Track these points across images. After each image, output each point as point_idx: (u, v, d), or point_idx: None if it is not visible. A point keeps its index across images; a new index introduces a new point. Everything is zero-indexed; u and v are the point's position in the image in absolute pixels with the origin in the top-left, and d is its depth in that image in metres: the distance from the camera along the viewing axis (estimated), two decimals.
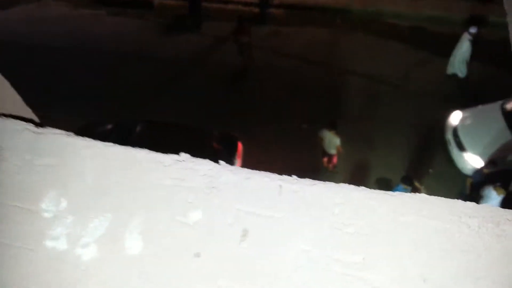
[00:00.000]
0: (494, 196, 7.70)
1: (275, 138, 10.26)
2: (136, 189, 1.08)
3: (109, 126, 9.95)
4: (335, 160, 9.32)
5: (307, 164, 9.80)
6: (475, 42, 10.37)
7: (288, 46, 12.44)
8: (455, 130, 9.30)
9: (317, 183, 1.01)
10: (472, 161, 8.90)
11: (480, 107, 9.59)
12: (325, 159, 9.39)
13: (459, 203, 0.90)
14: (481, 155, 8.76)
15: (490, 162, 8.14)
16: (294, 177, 1.04)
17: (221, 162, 1.10)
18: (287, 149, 10.11)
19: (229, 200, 1.01)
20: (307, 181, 1.03)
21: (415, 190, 8.04)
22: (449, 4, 12.45)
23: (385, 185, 9.35)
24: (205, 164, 1.10)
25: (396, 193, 0.94)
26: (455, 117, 9.52)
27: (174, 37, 13.30)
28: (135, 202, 1.06)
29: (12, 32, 13.76)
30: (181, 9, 13.89)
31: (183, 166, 1.11)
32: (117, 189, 1.08)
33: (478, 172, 8.24)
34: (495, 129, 8.98)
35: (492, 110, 9.30)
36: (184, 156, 1.13)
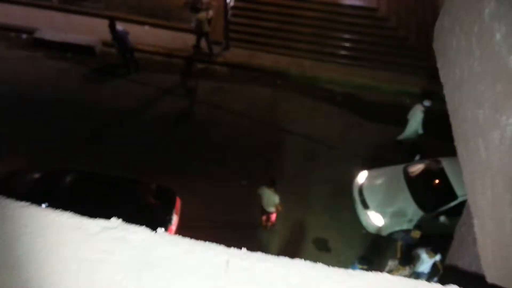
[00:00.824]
0: (426, 259, 7.96)
1: (214, 193, 10.04)
2: (51, 262, 0.88)
3: (36, 176, 9.20)
4: (273, 218, 9.24)
5: (247, 220, 9.63)
6: (427, 114, 10.84)
7: (231, 102, 12.64)
8: (360, 189, 9.72)
9: (269, 259, 0.89)
10: (373, 218, 9.27)
11: (385, 168, 10.14)
12: (264, 218, 9.27)
13: (422, 284, 0.82)
14: (382, 213, 9.19)
15: (416, 226, 8.52)
16: (244, 250, 0.91)
17: (158, 230, 0.94)
18: (226, 205, 9.90)
19: (165, 279, 0.85)
20: (258, 256, 0.90)
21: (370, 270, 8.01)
22: (378, 75, 13.53)
23: (323, 246, 9.38)
24: (139, 233, 0.93)
25: (356, 272, 0.85)
26: (361, 176, 9.98)
27: (110, 84, 13.00)
28: (49, 280, 0.86)
29: None
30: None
31: (113, 235, 0.93)
32: (25, 262, 0.87)
33: (406, 235, 8.55)
34: (396, 189, 9.52)
35: (395, 172, 9.88)
36: (114, 222, 0.96)
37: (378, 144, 10.59)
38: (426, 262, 8.05)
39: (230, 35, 13.92)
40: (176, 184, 9.72)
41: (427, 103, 10.92)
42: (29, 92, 12.44)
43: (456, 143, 3.49)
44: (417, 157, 10.09)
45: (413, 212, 9.07)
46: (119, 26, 12.52)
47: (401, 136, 11.36)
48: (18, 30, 14.32)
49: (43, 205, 8.01)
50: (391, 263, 8.01)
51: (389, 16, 14.23)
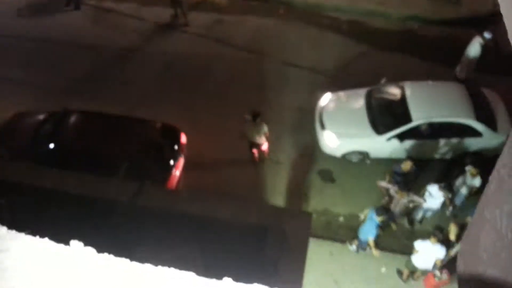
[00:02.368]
0: (435, 194, 8.00)
1: (218, 128, 10.08)
2: None
3: (41, 117, 9.26)
4: (267, 148, 9.29)
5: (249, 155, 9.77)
6: (486, 47, 10.17)
7: (232, 35, 12.25)
8: (321, 110, 9.78)
9: None
10: (327, 138, 9.42)
11: (350, 91, 10.11)
12: (255, 151, 9.31)
13: None
14: (336, 134, 9.32)
15: (407, 158, 8.61)
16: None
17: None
18: (231, 140, 9.99)
19: None
20: None
21: (386, 222, 8.15)
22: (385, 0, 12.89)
23: (328, 177, 9.58)
24: None
25: None
26: (324, 99, 9.98)
27: (103, 20, 12.58)
28: None
29: None
30: None
31: None
32: None
33: (397, 164, 8.49)
34: (355, 111, 9.59)
35: (358, 94, 9.88)
36: None
37: (386, 74, 10.33)
38: (434, 197, 8.08)
39: None
40: (180, 120, 9.77)
41: (487, 34, 10.01)
42: (29, 34, 12.12)
43: None
44: (383, 80, 9.92)
45: (366, 133, 9.20)
46: None
47: (459, 73, 10.64)
48: None
49: (50, 145, 8.24)
50: (392, 189, 8.10)
51: None
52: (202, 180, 9.15)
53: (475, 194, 8.37)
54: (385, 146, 9.16)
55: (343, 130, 9.33)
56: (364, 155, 9.45)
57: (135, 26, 12.45)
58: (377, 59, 11.64)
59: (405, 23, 12.61)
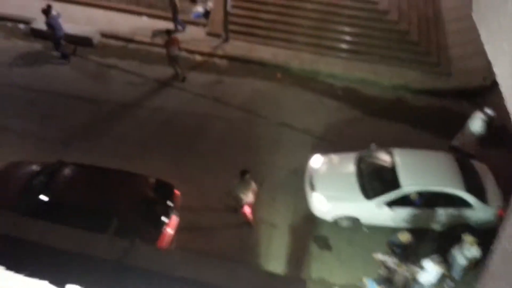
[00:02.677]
0: (430, 269, 7.81)
1: (212, 187, 10.01)
2: None
3: (35, 167, 9.16)
4: (251, 208, 9.16)
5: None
6: (490, 123, 10.20)
7: (230, 96, 12.56)
8: (311, 172, 9.82)
9: None
10: (317, 200, 9.36)
11: (340, 154, 10.23)
12: (247, 211, 9.14)
13: None
14: (326, 197, 9.28)
15: (405, 230, 8.48)
16: None
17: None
18: (224, 200, 9.87)
19: None
20: None
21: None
22: (378, 69, 13.47)
23: (324, 244, 9.34)
24: None
25: None
26: (315, 160, 10.06)
27: (108, 76, 12.89)
28: None
29: None
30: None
31: None
32: None
33: (394, 236, 8.35)
34: (345, 175, 9.63)
35: (348, 158, 9.98)
36: None
37: (377, 140, 10.55)
38: (429, 272, 7.76)
39: (230, 28, 13.79)
40: (174, 177, 9.72)
41: (489, 111, 10.16)
42: (26, 84, 12.34)
43: None
44: (372, 146, 10.10)
45: (356, 198, 9.18)
46: (54, 11, 12.35)
47: (455, 141, 10.89)
48: (15, 20, 14.13)
49: (42, 197, 8.07)
50: (389, 261, 7.90)
51: (390, 9, 14.12)
52: (194, 240, 8.91)
53: (475, 266, 8.12)
54: (375, 212, 9.10)
55: (333, 193, 9.31)
56: (355, 221, 9.34)
57: (135, 82, 12.78)
58: (370, 125, 11.93)
59: (397, 92, 13.09)
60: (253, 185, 8.86)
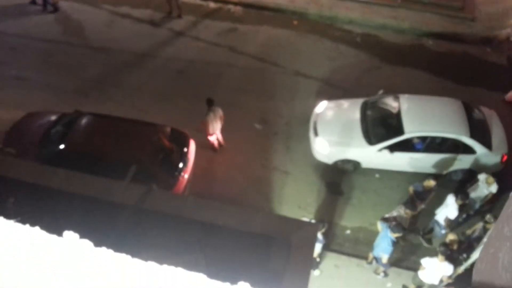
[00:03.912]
0: (451, 204, 7.96)
1: (228, 136, 10.09)
2: None
3: (53, 117, 9.32)
4: (221, 136, 9.70)
5: (261, 163, 9.74)
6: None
7: (245, 44, 12.30)
8: (315, 117, 9.77)
9: None
10: (319, 145, 9.38)
11: (346, 100, 10.11)
12: (214, 140, 9.57)
13: None
14: (328, 141, 9.29)
15: (431, 176, 8.52)
16: None
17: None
18: (240, 148, 9.98)
19: None
20: None
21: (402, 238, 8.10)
22: (399, 14, 12.87)
23: (336, 189, 9.48)
24: None
25: None
26: (320, 106, 9.98)
27: (119, 25, 12.72)
28: None
29: None
30: None
31: None
32: None
33: (419, 182, 8.42)
34: (349, 120, 9.54)
35: (354, 104, 9.84)
36: None
37: (395, 88, 10.29)
38: (449, 206, 8.00)
39: None
40: (190, 127, 9.80)
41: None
42: (41, 34, 12.31)
43: None
44: (380, 92, 9.86)
45: (358, 143, 9.15)
46: None
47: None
48: None
49: (60, 146, 8.29)
50: (400, 209, 8.01)
51: None
52: (209, 187, 9.12)
53: (487, 203, 8.44)
54: (376, 156, 9.11)
55: (336, 138, 9.32)
56: (355, 164, 9.38)
57: (149, 32, 12.59)
58: (388, 73, 11.61)
59: (418, 38, 12.58)
60: (220, 112, 9.21)
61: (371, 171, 9.60)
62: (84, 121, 9.01)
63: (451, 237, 7.47)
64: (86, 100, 10.61)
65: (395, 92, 9.87)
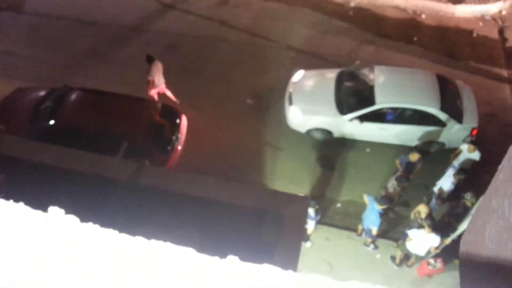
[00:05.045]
0: (449, 175, 8.13)
1: (219, 111, 10.05)
2: None
3: (42, 93, 9.19)
4: (171, 94, 9.82)
5: (252, 139, 9.76)
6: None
7: (236, 18, 12.10)
8: (291, 86, 9.84)
9: None
10: (293, 113, 9.49)
11: (323, 70, 10.16)
12: (155, 94, 9.67)
13: None
14: (302, 110, 9.39)
15: (414, 148, 8.60)
16: None
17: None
18: (231, 124, 9.97)
19: None
20: None
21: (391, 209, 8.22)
22: None
23: (328, 163, 9.55)
24: None
25: None
26: (297, 75, 10.02)
27: None
28: None
29: None
30: None
31: None
32: None
33: (404, 156, 8.51)
34: (324, 89, 9.61)
35: (330, 74, 9.90)
36: None
37: (387, 62, 10.24)
38: (446, 177, 8.18)
39: None
40: (181, 102, 9.74)
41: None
42: (29, 8, 11.98)
43: None
44: (357, 63, 9.88)
45: (330, 112, 9.27)
46: None
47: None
48: None
49: (49, 122, 8.21)
50: (394, 181, 8.12)
51: None
52: (201, 162, 9.15)
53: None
54: (347, 126, 9.24)
55: (309, 107, 9.40)
56: (327, 133, 9.52)
57: (139, 5, 12.31)
58: (380, 47, 11.52)
59: (412, 12, 12.44)
60: (161, 66, 9.41)
61: (362, 146, 9.68)
62: (73, 96, 8.90)
63: (421, 207, 7.51)
64: (75, 75, 10.43)
65: (358, 59, 9.86)
